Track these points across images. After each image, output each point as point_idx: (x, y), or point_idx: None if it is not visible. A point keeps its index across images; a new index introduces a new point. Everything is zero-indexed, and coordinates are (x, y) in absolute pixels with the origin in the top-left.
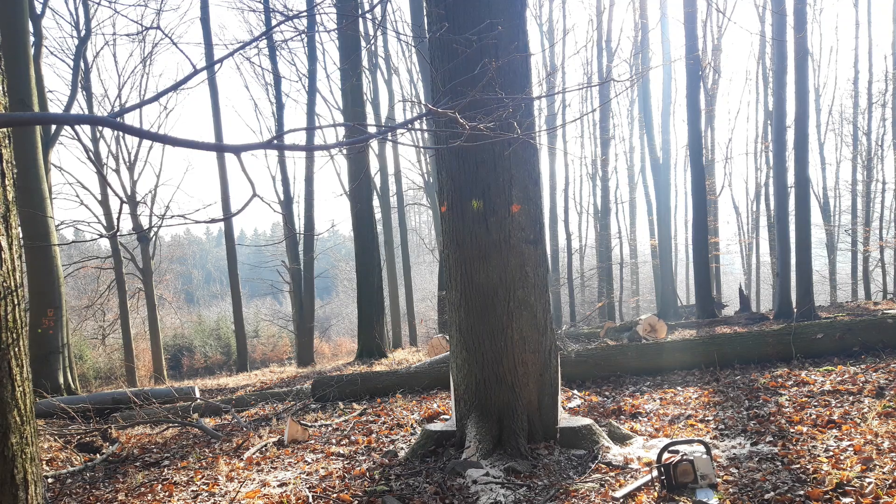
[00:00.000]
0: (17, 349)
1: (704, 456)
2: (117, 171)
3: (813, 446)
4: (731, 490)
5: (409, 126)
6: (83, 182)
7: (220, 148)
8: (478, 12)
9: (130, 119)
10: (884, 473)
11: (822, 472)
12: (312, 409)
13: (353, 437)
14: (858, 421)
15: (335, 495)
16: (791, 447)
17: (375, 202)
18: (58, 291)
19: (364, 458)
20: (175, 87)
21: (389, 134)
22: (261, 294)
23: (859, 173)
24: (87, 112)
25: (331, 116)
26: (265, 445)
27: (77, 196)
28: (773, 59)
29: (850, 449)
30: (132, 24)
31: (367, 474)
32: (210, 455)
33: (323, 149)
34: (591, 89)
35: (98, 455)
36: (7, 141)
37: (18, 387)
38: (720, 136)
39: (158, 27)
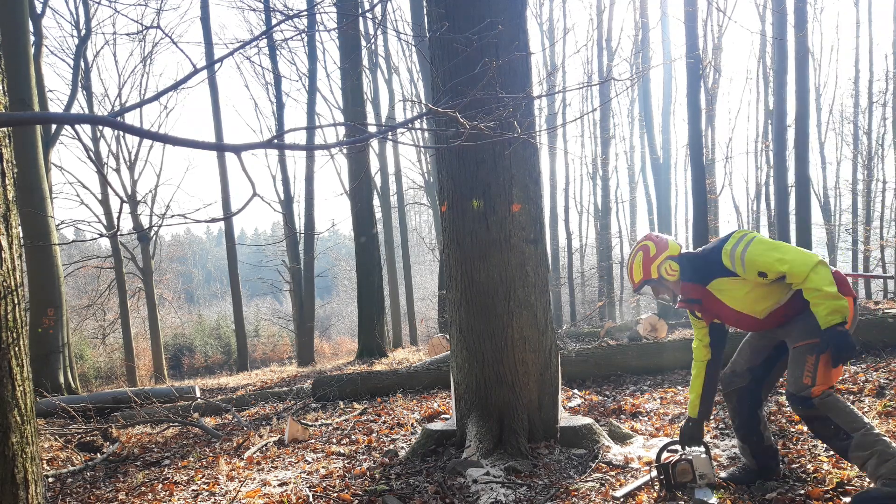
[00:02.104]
0: (17, 348)
1: (703, 455)
2: (118, 170)
3: (813, 445)
4: (731, 490)
5: (410, 125)
6: (83, 181)
7: (220, 147)
8: (478, 11)
9: (131, 118)
10: None
11: (823, 471)
12: (313, 408)
13: (353, 437)
14: None
15: (336, 494)
16: (791, 446)
17: (376, 201)
18: (58, 291)
19: (364, 457)
20: (175, 87)
21: (390, 133)
22: (261, 293)
23: (860, 172)
24: (87, 111)
25: (331, 116)
26: (266, 445)
27: (77, 195)
28: (774, 59)
29: None
30: (132, 23)
31: (368, 473)
32: (210, 454)
33: (323, 148)
34: (591, 89)
35: (98, 454)
36: (7, 140)
37: (19, 386)
38: (721, 135)
39: (158, 26)
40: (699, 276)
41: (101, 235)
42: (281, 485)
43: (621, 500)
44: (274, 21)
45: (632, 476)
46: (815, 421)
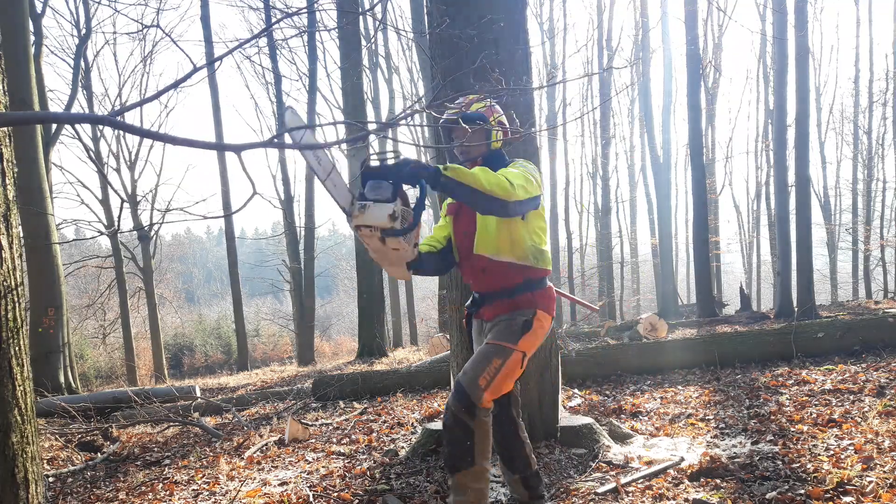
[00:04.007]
0: (17, 348)
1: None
2: (118, 170)
3: (814, 445)
4: (731, 489)
5: (408, 116)
6: (84, 181)
7: (220, 147)
8: (478, 9)
9: (131, 118)
10: (884, 472)
11: (823, 470)
12: (313, 408)
13: (353, 436)
14: (859, 420)
15: (336, 494)
16: (792, 446)
17: None
18: (58, 290)
19: (365, 456)
20: (175, 85)
21: (390, 131)
22: (261, 293)
23: (860, 172)
24: (87, 111)
25: (331, 115)
26: (266, 444)
27: (78, 195)
28: (774, 58)
29: (851, 448)
30: (132, 23)
31: (368, 473)
32: (211, 454)
33: (323, 147)
34: (591, 90)
35: (99, 454)
36: (8, 140)
37: (19, 386)
38: (721, 134)
39: (158, 25)
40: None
41: (101, 234)
42: (281, 484)
43: (621, 497)
44: (274, 20)
45: (631, 475)
46: (457, 429)
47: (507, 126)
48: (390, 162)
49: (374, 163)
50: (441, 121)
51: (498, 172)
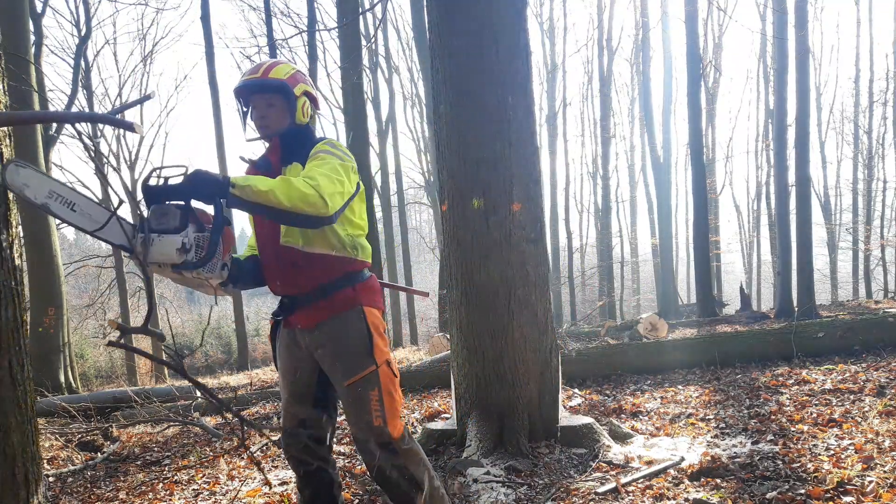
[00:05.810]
0: (17, 348)
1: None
2: (118, 169)
3: (814, 445)
4: (732, 488)
5: None
6: (84, 181)
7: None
8: (478, 11)
9: (131, 117)
10: (885, 472)
11: (823, 470)
12: None
13: None
14: (859, 420)
15: None
16: (792, 446)
17: (376, 201)
18: (58, 290)
19: None
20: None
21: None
22: (261, 293)
23: (860, 172)
24: (87, 111)
25: (331, 115)
26: (266, 444)
27: None
28: (775, 58)
29: (851, 448)
30: (132, 22)
31: (368, 473)
32: (211, 454)
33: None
34: (591, 89)
35: (99, 454)
36: (8, 140)
37: (19, 386)
38: (721, 134)
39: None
40: (290, 150)
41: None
42: (281, 484)
43: (623, 497)
44: (274, 22)
45: (631, 475)
46: (388, 474)
47: (316, 98)
48: (176, 179)
49: (156, 181)
50: (235, 87)
51: (305, 174)
